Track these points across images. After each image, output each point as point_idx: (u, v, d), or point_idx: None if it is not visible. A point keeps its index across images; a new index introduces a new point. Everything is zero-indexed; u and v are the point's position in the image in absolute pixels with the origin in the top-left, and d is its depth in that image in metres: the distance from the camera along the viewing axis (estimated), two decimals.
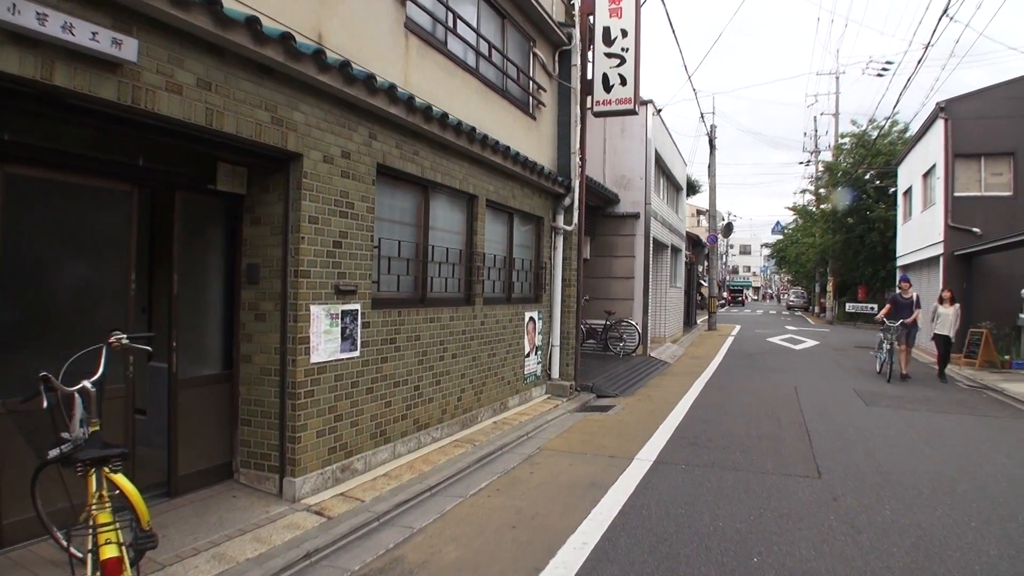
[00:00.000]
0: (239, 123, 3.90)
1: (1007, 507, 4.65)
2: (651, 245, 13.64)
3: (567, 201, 8.71)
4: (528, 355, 8.10)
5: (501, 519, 4.32)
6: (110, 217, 4.01)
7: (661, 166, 15.48)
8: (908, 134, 27.61)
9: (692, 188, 25.80)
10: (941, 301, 11.38)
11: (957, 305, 11.29)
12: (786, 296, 57.26)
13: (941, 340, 11.34)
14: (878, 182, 28.81)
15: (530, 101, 8.20)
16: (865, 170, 27.48)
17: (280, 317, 4.46)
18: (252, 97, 3.99)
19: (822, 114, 66.45)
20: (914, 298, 11.36)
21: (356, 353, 4.92)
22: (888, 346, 11.22)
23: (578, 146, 8.75)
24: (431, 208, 6.06)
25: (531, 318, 8.15)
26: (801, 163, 39.45)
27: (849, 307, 30.19)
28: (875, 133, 28.59)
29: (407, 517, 4.36)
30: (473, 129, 6.16)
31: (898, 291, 11.63)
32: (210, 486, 4.64)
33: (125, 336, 3.09)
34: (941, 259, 14.98)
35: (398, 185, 5.64)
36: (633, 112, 9.17)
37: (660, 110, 14.03)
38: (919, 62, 14.25)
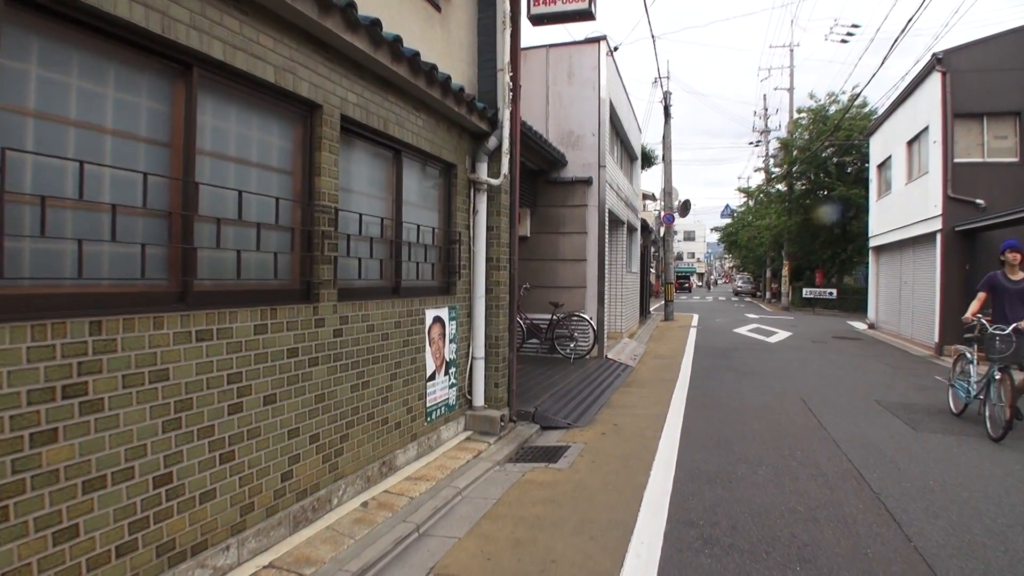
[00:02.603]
0: None
1: None
2: (606, 219, 10.89)
3: (492, 142, 5.81)
4: (433, 377, 5.19)
5: None
6: None
7: (616, 125, 12.75)
8: (867, 109, 25.99)
9: (647, 160, 23.18)
10: None
11: None
12: (734, 282, 56.28)
13: None
14: (835, 160, 27.10)
15: None
16: (825, 146, 25.56)
17: None
18: None
19: (776, 89, 65.78)
20: None
21: None
22: (990, 373, 6.10)
23: (508, 60, 5.85)
24: (200, 110, 3.05)
25: (437, 319, 5.24)
26: (751, 143, 37.68)
27: (806, 292, 28.53)
28: (832, 108, 26.85)
29: None
30: None
31: (1000, 271, 6.44)
32: None
33: None
34: (938, 236, 12.80)
35: (99, 47, 2.61)
36: (589, 15, 6.37)
37: (616, 48, 11.27)
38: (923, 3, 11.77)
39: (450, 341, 5.47)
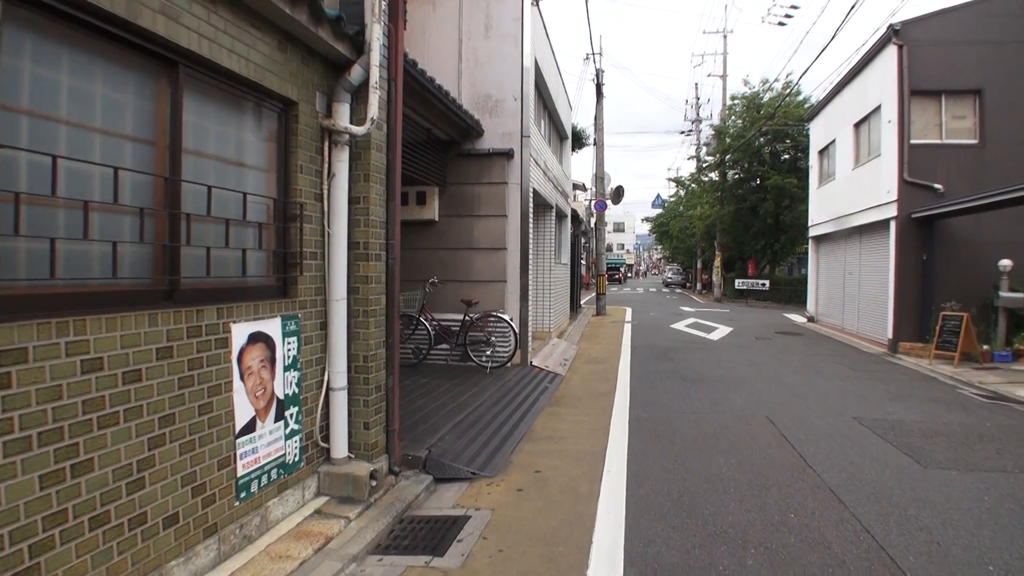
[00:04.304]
0: None
1: None
2: (531, 200, 9.20)
3: (357, 74, 3.97)
4: (252, 428, 3.33)
5: None
6: None
7: (542, 92, 11.06)
8: (801, 97, 25.48)
9: (578, 140, 21.52)
10: None
11: None
12: (663, 273, 56.17)
13: None
14: (768, 148, 26.50)
15: None
16: (760, 133, 24.79)
17: None
18: None
19: (709, 75, 65.92)
20: None
21: None
22: None
23: None
24: None
25: (258, 336, 3.38)
26: (683, 132, 36.98)
27: (739, 284, 27.93)
28: (767, 96, 26.23)
29: None
30: None
31: None
32: None
33: None
34: (892, 223, 11.77)
35: None
36: None
37: None
38: None
39: (286, 368, 3.62)
